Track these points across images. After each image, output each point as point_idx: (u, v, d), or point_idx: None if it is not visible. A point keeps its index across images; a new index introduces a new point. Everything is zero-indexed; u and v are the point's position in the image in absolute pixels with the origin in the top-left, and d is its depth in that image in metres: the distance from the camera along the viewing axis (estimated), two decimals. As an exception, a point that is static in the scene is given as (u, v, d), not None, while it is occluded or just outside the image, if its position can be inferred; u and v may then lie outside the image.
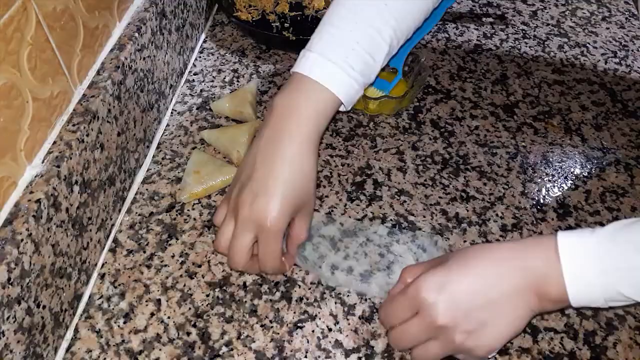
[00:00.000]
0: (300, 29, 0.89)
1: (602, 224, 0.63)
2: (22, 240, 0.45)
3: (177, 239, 0.62)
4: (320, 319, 0.55)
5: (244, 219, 0.53)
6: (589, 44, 0.88)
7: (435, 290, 0.47)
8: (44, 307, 0.49)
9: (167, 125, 0.75)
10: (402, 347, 0.52)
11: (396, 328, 0.50)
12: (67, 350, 0.53)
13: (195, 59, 0.86)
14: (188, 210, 0.65)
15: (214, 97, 0.79)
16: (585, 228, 0.46)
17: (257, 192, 0.53)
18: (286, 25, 0.89)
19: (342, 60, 0.58)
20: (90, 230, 0.57)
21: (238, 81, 0.82)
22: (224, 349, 0.53)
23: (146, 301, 0.57)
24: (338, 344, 0.53)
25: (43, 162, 0.51)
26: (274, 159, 0.54)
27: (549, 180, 0.68)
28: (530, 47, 0.88)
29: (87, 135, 0.55)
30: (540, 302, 0.47)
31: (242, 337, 0.54)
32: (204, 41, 0.90)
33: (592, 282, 0.45)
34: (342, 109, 0.61)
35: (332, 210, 0.65)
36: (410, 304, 0.48)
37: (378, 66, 0.61)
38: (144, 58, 0.68)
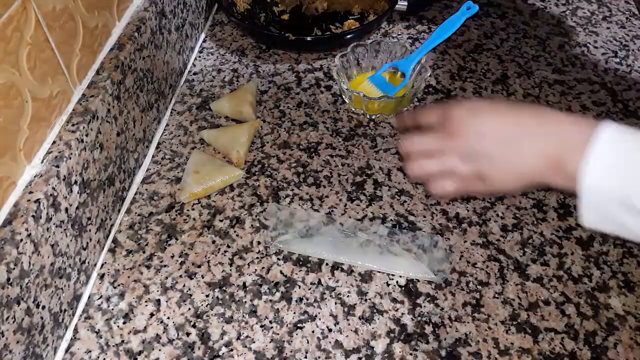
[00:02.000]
0: (300, 29, 0.89)
1: (602, 224, 0.63)
2: (21, 240, 0.45)
3: (176, 239, 0.62)
4: (320, 319, 0.55)
5: (468, 179, 0.51)
6: (589, 43, 0.88)
7: (467, 108, 0.48)
8: (43, 307, 0.49)
9: (167, 125, 0.75)
10: (411, 149, 0.52)
11: (414, 136, 0.51)
12: (67, 350, 0.53)
13: (195, 59, 0.86)
14: (188, 210, 0.65)
15: (214, 97, 0.79)
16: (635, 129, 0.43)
17: (491, 177, 0.49)
18: (285, 22, 0.89)
19: None
20: (90, 231, 0.57)
21: (238, 81, 0.82)
22: (224, 349, 0.53)
23: (146, 301, 0.56)
24: (338, 344, 0.53)
25: (42, 162, 0.51)
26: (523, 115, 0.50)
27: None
28: (530, 46, 0.87)
29: (87, 135, 0.55)
30: (546, 170, 0.45)
31: (241, 337, 0.54)
32: (204, 41, 0.89)
33: (611, 170, 0.41)
34: None
35: (332, 210, 0.65)
36: (441, 112, 0.50)
37: None
38: (144, 58, 0.68)
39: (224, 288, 0.58)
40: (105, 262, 0.60)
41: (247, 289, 0.58)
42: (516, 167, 0.47)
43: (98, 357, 0.52)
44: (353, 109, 0.76)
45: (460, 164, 0.49)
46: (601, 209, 0.42)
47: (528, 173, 0.46)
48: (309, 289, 0.57)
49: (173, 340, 0.54)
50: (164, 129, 0.75)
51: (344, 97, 0.77)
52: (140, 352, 0.53)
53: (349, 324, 0.55)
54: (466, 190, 0.51)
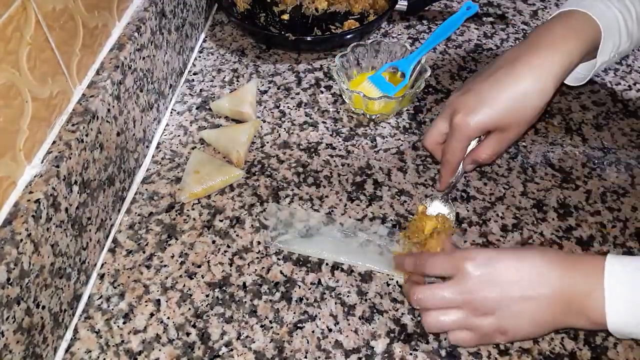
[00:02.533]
0: (300, 29, 0.89)
1: (602, 224, 0.63)
2: (21, 240, 0.45)
3: (176, 239, 0.62)
4: (320, 319, 0.55)
5: (447, 114, 0.58)
6: (589, 43, 0.88)
7: (480, 262, 0.48)
8: (43, 307, 0.49)
9: (167, 125, 0.75)
10: (425, 305, 0.51)
11: (426, 288, 0.51)
12: (67, 350, 0.53)
13: (195, 59, 0.86)
14: (188, 210, 0.65)
15: (214, 97, 0.79)
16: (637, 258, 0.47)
17: (469, 102, 0.56)
18: (285, 22, 0.89)
19: None
20: (90, 231, 0.57)
21: (238, 81, 0.82)
22: (224, 349, 0.53)
23: (146, 301, 0.56)
24: (338, 344, 0.53)
25: (42, 162, 0.51)
26: (506, 77, 0.55)
27: (550, 180, 0.68)
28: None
29: (87, 135, 0.55)
30: (567, 316, 0.47)
31: (241, 337, 0.54)
32: (204, 41, 0.89)
33: (632, 302, 0.45)
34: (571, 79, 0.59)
35: (332, 210, 0.65)
36: (451, 265, 0.50)
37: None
38: (144, 58, 0.68)
39: (224, 288, 0.58)
40: (105, 262, 0.60)
41: (247, 289, 0.58)
42: (535, 317, 0.48)
43: (98, 357, 0.52)
44: (353, 109, 0.76)
45: (479, 320, 0.49)
46: (633, 329, 0.46)
47: (550, 322, 0.48)
48: (309, 289, 0.57)
49: (173, 340, 0.54)
50: (164, 129, 0.75)
51: (344, 97, 0.77)
52: (140, 352, 0.53)
53: (349, 324, 0.55)
54: (486, 342, 0.52)
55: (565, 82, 0.60)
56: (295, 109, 0.77)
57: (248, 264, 0.60)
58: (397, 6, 0.90)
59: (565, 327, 0.49)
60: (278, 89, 0.80)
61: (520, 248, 0.54)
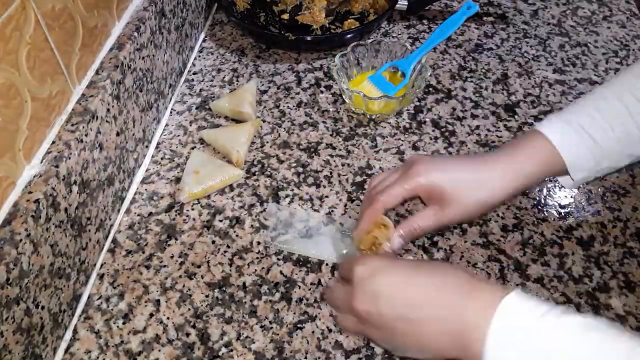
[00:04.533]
0: (300, 28, 0.89)
1: (603, 224, 0.63)
2: (20, 240, 0.45)
3: (176, 239, 0.62)
4: (320, 319, 0.55)
5: (404, 166, 0.57)
6: (590, 43, 0.88)
7: (368, 271, 0.47)
8: (42, 307, 0.49)
9: (167, 125, 0.75)
10: (329, 304, 0.55)
11: (333, 287, 0.53)
12: (66, 351, 0.53)
13: (195, 59, 0.86)
14: (187, 210, 0.65)
15: (214, 97, 0.79)
16: (543, 302, 0.41)
17: (434, 161, 0.57)
18: (285, 22, 0.89)
19: (573, 118, 0.55)
20: (89, 231, 0.57)
21: (237, 81, 0.82)
22: (224, 349, 0.53)
23: (145, 302, 0.56)
24: (338, 344, 0.53)
25: (42, 162, 0.51)
26: (474, 163, 0.56)
27: (550, 180, 0.68)
28: (531, 46, 0.87)
29: (86, 135, 0.55)
30: (454, 348, 0.43)
31: (241, 337, 0.54)
32: (204, 40, 0.89)
33: (507, 353, 0.40)
34: (566, 183, 0.58)
35: (332, 211, 0.64)
36: (348, 267, 0.49)
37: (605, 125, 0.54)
38: (143, 57, 0.68)
39: (224, 288, 0.57)
40: (105, 263, 0.60)
41: (247, 289, 0.57)
42: (413, 341, 0.45)
43: (97, 357, 0.52)
44: (353, 109, 0.76)
45: (367, 328, 0.48)
46: None
47: (433, 350, 0.44)
48: (309, 289, 0.57)
49: (173, 340, 0.53)
50: (164, 129, 0.75)
51: (344, 97, 0.77)
52: (139, 353, 0.53)
53: (349, 325, 0.55)
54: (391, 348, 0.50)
55: (562, 183, 0.60)
56: (295, 108, 0.77)
57: (248, 264, 0.59)
58: (397, 6, 0.89)
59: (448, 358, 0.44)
60: (278, 88, 0.80)
61: (425, 264, 0.49)
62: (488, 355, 0.40)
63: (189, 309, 0.56)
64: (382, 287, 0.46)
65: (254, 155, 0.71)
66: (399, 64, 0.78)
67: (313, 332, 0.54)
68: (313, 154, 0.71)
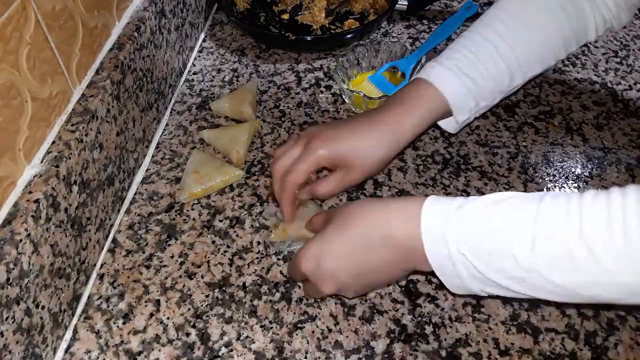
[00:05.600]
0: (300, 28, 0.89)
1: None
2: (20, 240, 0.45)
3: (176, 239, 0.62)
4: (320, 319, 0.55)
5: (302, 142, 0.59)
6: (589, 43, 0.88)
7: (313, 263, 0.50)
8: (42, 307, 0.49)
9: (167, 125, 0.75)
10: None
11: (304, 286, 0.57)
12: (66, 350, 0.53)
13: (195, 59, 0.86)
14: (187, 210, 0.65)
15: (214, 97, 0.79)
16: (456, 198, 0.46)
17: (329, 134, 0.59)
18: (285, 22, 0.89)
19: (452, 64, 0.60)
20: (89, 231, 0.57)
21: (237, 81, 0.82)
22: (224, 349, 0.53)
23: (145, 302, 0.56)
24: (338, 344, 0.53)
25: (42, 162, 0.51)
26: (364, 126, 0.59)
27: (550, 180, 0.68)
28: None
29: (86, 135, 0.55)
30: (413, 265, 0.48)
31: (241, 337, 0.54)
32: (204, 40, 0.89)
33: (449, 257, 0.45)
34: (449, 127, 0.63)
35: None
36: (299, 273, 0.52)
37: (481, 67, 0.60)
38: (143, 57, 0.68)
39: (224, 288, 0.58)
40: (105, 262, 0.60)
41: (247, 289, 0.57)
42: (380, 277, 0.51)
43: (98, 357, 0.52)
44: (353, 109, 0.76)
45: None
46: (455, 278, 0.46)
47: (395, 276, 0.52)
48: (309, 289, 0.57)
49: (173, 340, 0.54)
50: (164, 129, 0.75)
51: (344, 97, 0.77)
52: (140, 353, 0.53)
53: (349, 324, 0.55)
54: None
55: (444, 127, 0.64)
56: (295, 108, 0.77)
57: (248, 264, 0.59)
58: (397, 6, 0.89)
59: (414, 270, 0.50)
60: (278, 88, 0.80)
61: (341, 222, 0.52)
62: (427, 249, 0.45)
63: (189, 309, 0.56)
64: (334, 267, 0.50)
65: (254, 155, 0.71)
66: (399, 64, 0.78)
67: (313, 332, 0.54)
68: (313, 154, 0.71)
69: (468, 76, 0.59)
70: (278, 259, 0.60)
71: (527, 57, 0.61)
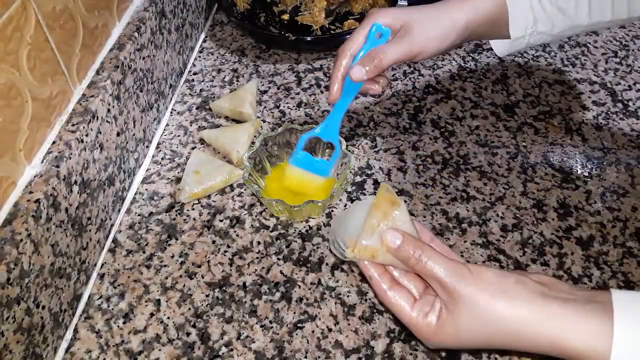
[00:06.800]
0: (300, 29, 0.89)
1: (602, 224, 0.63)
2: (21, 240, 0.45)
3: (176, 239, 0.62)
4: (320, 319, 0.55)
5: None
6: (589, 43, 0.88)
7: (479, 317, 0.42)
8: (43, 307, 0.49)
9: (167, 125, 0.75)
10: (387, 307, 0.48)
11: (402, 302, 0.45)
12: (67, 350, 0.53)
13: (195, 59, 0.86)
14: (188, 210, 0.65)
15: (214, 97, 0.79)
16: None
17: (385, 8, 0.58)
18: (285, 22, 0.89)
19: None
20: (90, 231, 0.57)
21: (238, 81, 0.82)
22: (224, 349, 0.53)
23: (146, 301, 0.56)
24: (338, 344, 0.53)
25: (42, 162, 0.51)
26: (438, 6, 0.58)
27: (550, 180, 0.68)
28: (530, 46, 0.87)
29: (87, 135, 0.55)
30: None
31: (241, 337, 0.54)
32: (204, 41, 0.89)
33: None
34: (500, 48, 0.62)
35: (332, 211, 0.64)
36: (444, 290, 0.43)
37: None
38: (144, 58, 0.68)
39: (224, 288, 0.58)
40: (105, 262, 0.60)
41: (247, 289, 0.58)
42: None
43: (98, 357, 0.52)
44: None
45: None
46: None
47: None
48: (309, 289, 0.57)
49: (173, 340, 0.54)
50: (164, 129, 0.75)
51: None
52: (140, 352, 0.53)
53: (349, 324, 0.55)
54: None
55: (494, 48, 0.64)
56: (295, 109, 0.77)
57: (248, 264, 0.60)
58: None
59: None
60: (278, 89, 0.80)
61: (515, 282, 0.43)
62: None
63: (190, 309, 0.56)
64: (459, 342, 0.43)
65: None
66: (320, 133, 0.62)
67: (313, 331, 0.54)
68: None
69: None
70: (278, 259, 0.60)
71: None
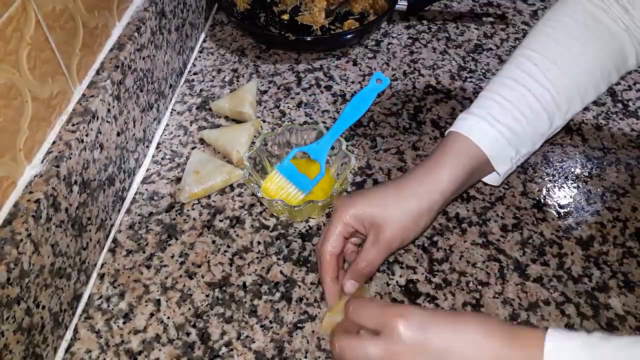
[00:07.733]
0: (300, 29, 0.89)
1: (602, 224, 0.63)
2: (21, 240, 0.45)
3: (176, 239, 0.62)
4: (320, 319, 0.55)
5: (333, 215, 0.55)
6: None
7: (413, 324, 0.42)
8: (43, 307, 0.49)
9: (167, 125, 0.75)
10: (345, 357, 0.45)
11: (351, 338, 0.45)
12: (67, 350, 0.53)
13: (195, 59, 0.86)
14: (188, 210, 0.65)
15: (214, 97, 0.79)
16: (579, 334, 0.39)
17: (352, 197, 0.55)
18: (285, 22, 0.89)
19: (484, 113, 0.56)
20: (90, 231, 0.57)
21: (238, 81, 0.82)
22: (224, 349, 0.53)
23: (146, 301, 0.56)
24: (338, 344, 0.53)
25: (42, 162, 0.51)
26: (391, 181, 0.58)
27: (550, 180, 0.68)
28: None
29: (87, 135, 0.55)
30: None
31: (241, 337, 0.54)
32: (204, 41, 0.89)
33: None
34: (492, 179, 0.59)
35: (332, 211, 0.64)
36: (382, 319, 0.44)
37: (527, 123, 0.56)
38: (144, 58, 0.68)
39: (224, 288, 0.58)
40: (105, 262, 0.60)
41: (247, 289, 0.58)
42: None
43: (98, 357, 0.52)
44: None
45: None
46: None
47: None
48: (309, 289, 0.57)
49: (173, 340, 0.54)
50: (164, 129, 0.75)
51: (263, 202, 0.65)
52: (140, 352, 0.53)
53: (349, 324, 0.55)
54: None
55: (488, 182, 0.61)
56: (295, 109, 0.77)
57: (248, 264, 0.60)
58: (397, 6, 0.90)
59: None
60: (278, 89, 0.80)
61: (457, 314, 0.46)
62: None
63: (190, 309, 0.56)
64: (432, 342, 0.42)
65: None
66: (310, 150, 0.65)
67: (313, 331, 0.54)
68: (313, 154, 0.71)
69: (503, 124, 0.54)
70: (278, 259, 0.60)
71: (564, 95, 0.56)
